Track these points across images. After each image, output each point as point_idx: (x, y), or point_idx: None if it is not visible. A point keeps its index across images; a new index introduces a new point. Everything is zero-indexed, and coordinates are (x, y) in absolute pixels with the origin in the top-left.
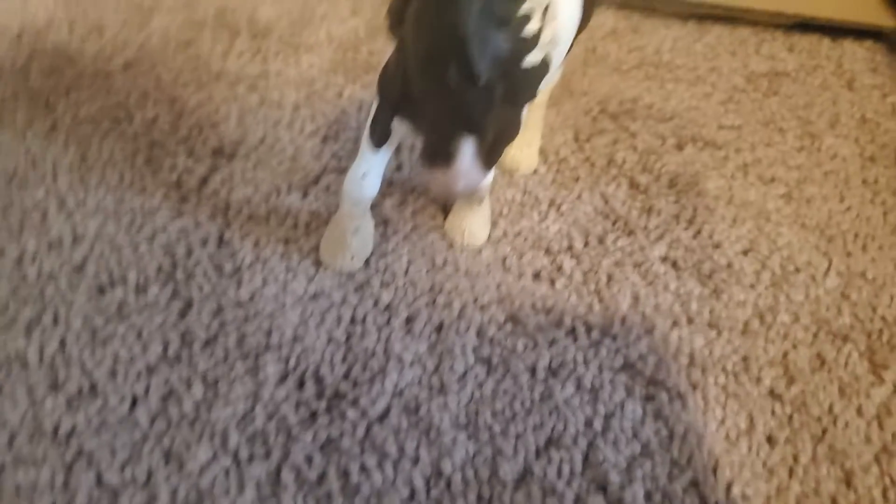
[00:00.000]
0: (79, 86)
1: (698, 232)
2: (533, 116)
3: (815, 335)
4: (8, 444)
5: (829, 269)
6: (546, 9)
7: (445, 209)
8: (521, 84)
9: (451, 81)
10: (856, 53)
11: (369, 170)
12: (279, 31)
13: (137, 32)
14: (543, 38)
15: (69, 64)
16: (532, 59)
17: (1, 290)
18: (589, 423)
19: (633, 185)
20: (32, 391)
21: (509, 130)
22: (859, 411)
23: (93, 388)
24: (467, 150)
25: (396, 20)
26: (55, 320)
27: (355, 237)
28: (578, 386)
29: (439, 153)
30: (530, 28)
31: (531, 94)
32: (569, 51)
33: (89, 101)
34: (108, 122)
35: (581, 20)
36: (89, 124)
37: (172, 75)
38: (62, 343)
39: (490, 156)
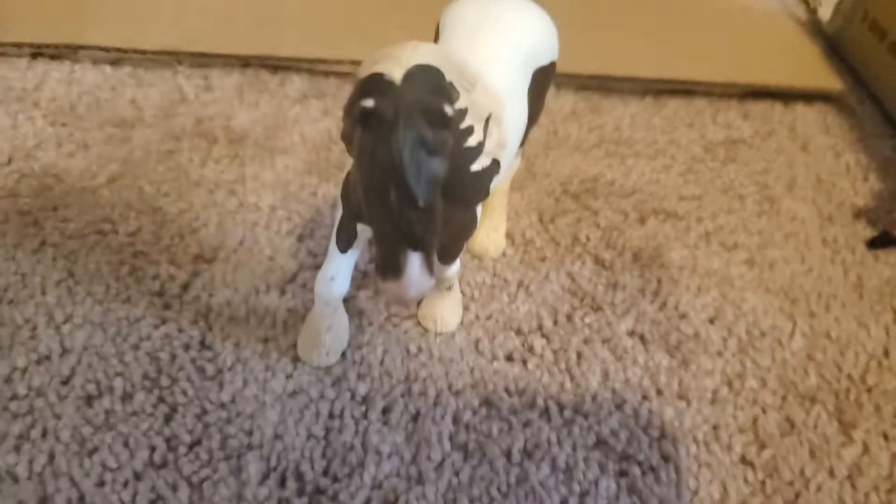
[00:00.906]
0: (66, 203)
1: (664, 304)
2: (498, 202)
3: (784, 398)
4: None
5: (793, 331)
6: (488, 119)
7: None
8: (471, 187)
9: (392, 206)
10: (807, 116)
11: (337, 272)
12: (255, 136)
13: (120, 147)
14: (489, 145)
15: (57, 182)
16: (479, 164)
17: None
18: (565, 503)
19: (598, 261)
20: None
21: (465, 228)
22: (831, 472)
23: (81, 498)
24: (414, 264)
25: (348, 144)
26: (44, 434)
27: (328, 334)
28: (553, 466)
29: (389, 267)
30: (473, 139)
31: (483, 194)
32: (523, 142)
33: (76, 218)
34: (93, 235)
35: (530, 116)
36: (76, 239)
37: (154, 186)
38: (51, 456)
39: (450, 251)
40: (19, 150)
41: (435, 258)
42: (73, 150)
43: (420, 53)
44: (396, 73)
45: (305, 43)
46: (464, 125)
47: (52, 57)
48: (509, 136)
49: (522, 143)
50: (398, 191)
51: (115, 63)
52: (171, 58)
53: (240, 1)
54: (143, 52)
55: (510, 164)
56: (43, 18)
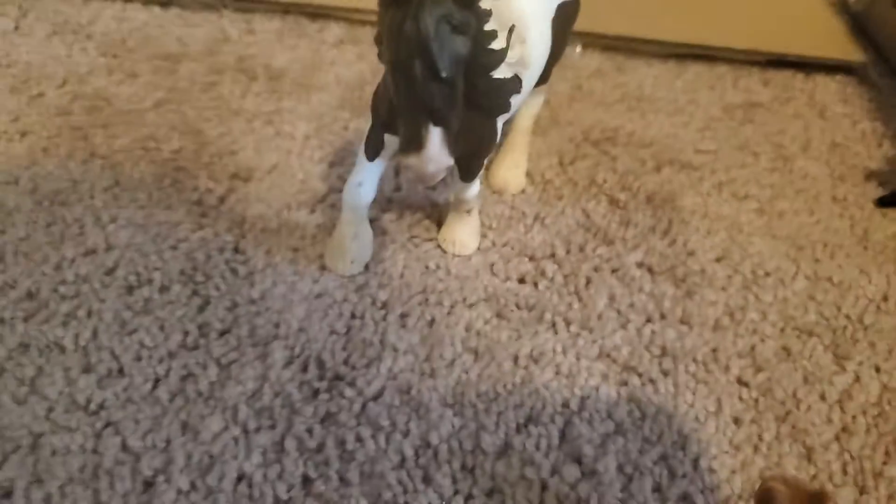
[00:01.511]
0: (114, 122)
1: (673, 241)
2: (520, 140)
3: (782, 330)
4: (46, 415)
5: (797, 273)
6: (511, 30)
7: (439, 223)
8: (491, 94)
9: (417, 77)
10: (827, 86)
11: (364, 179)
12: (292, 75)
13: (167, 77)
14: (511, 57)
15: (106, 104)
16: (500, 73)
17: (43, 289)
18: (566, 404)
19: (613, 201)
20: (68, 372)
21: (486, 140)
22: (822, 396)
23: (120, 370)
24: (435, 138)
25: (380, 45)
26: (89, 314)
27: (354, 242)
28: (557, 372)
29: (411, 141)
30: (496, 43)
31: (503, 107)
32: (547, 77)
33: (123, 135)
34: (139, 150)
35: (552, 49)
36: (123, 153)
37: (197, 112)
38: (94, 332)
39: (470, 167)
40: (73, 74)
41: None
42: (123, 78)
43: None
44: None
45: None
46: (488, 27)
47: None
48: (532, 57)
49: (546, 80)
50: (423, 62)
51: (164, 5)
52: (217, 1)
53: None
54: None
55: (531, 88)
56: None
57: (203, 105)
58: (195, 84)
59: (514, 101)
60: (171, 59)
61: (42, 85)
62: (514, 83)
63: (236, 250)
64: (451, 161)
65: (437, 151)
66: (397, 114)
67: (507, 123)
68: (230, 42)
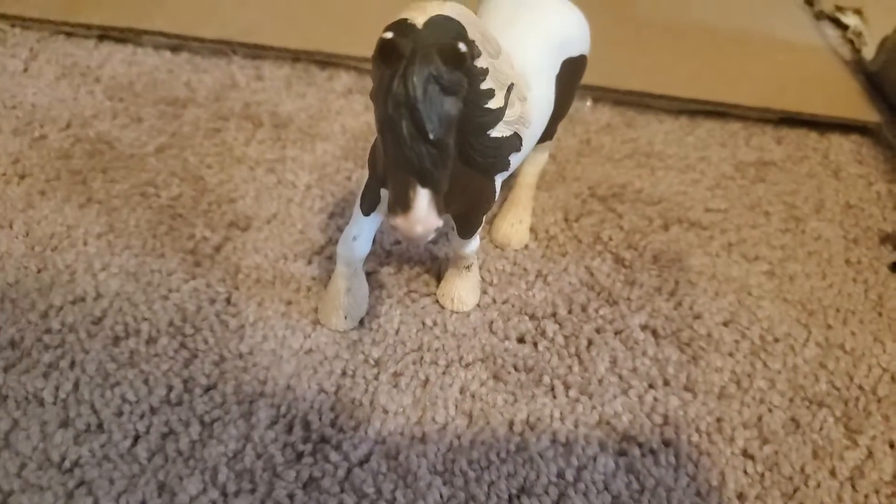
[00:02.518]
0: (114, 166)
1: (679, 303)
2: (524, 195)
3: (791, 400)
4: (18, 472)
5: (808, 339)
6: (510, 88)
7: (438, 277)
8: (488, 153)
9: (405, 137)
10: (842, 146)
11: (360, 233)
12: (299, 122)
13: (171, 122)
14: (509, 116)
15: (108, 148)
16: (499, 132)
17: (27, 337)
18: (561, 475)
19: (618, 260)
20: (45, 426)
21: (484, 197)
22: (832, 472)
23: (100, 425)
24: (423, 199)
25: (374, 101)
26: (72, 365)
27: (348, 297)
28: (554, 440)
29: (399, 202)
30: (493, 102)
31: (502, 165)
32: (552, 133)
33: (122, 180)
34: (137, 196)
35: (556, 106)
36: (120, 199)
37: (199, 158)
38: (76, 385)
39: (468, 224)
40: (77, 117)
41: (454, 230)
42: (127, 122)
43: (447, 8)
44: (419, 20)
45: (355, 42)
46: (484, 86)
47: (118, 40)
48: (533, 115)
49: (551, 136)
50: (411, 123)
51: (174, 49)
52: (227, 47)
53: None
54: (202, 41)
55: (533, 145)
56: (112, 3)
57: (206, 151)
58: (199, 130)
59: (515, 158)
60: (177, 104)
61: (45, 127)
62: (514, 141)
63: (228, 302)
64: (440, 223)
65: (424, 213)
66: (386, 174)
67: (512, 177)
68: (238, 88)
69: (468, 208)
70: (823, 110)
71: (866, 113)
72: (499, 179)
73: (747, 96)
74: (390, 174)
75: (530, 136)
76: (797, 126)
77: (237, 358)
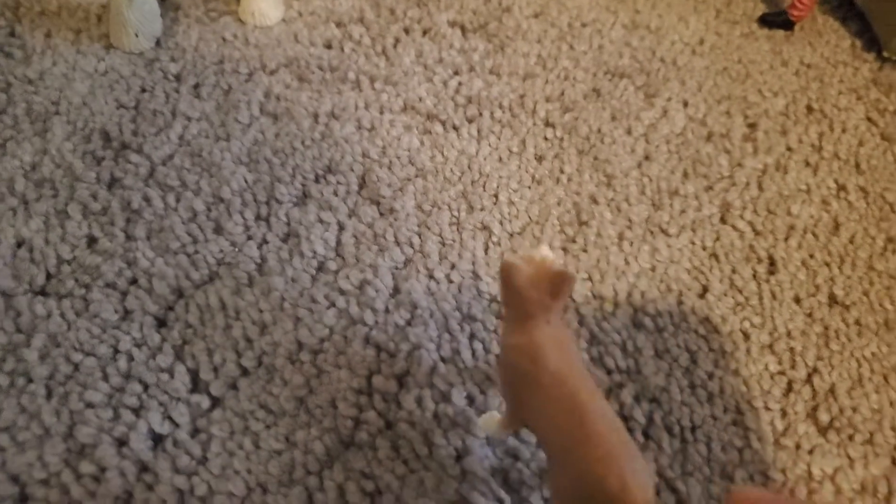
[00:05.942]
0: None
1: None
2: None
3: (594, 75)
4: None
5: (615, 23)
6: None
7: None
8: None
9: None
10: None
11: None
12: None
13: None
14: None
15: None
16: None
17: None
18: (366, 154)
19: None
20: None
21: None
22: (628, 130)
23: None
24: None
25: None
26: None
27: (131, 11)
28: (359, 126)
29: None
30: None
31: None
32: None
33: None
34: None
35: None
36: None
37: None
38: None
39: None
40: None
41: None
42: None
43: None
44: None
45: None
46: None
47: None
48: None
49: None
50: None
51: None
52: None
53: None
54: None
55: None
56: None
57: None
58: None
59: None
60: None
61: None
62: None
63: (12, 34)
64: None
65: None
66: None
67: None
68: None
69: None
70: None
71: None
72: None
73: None
74: None
75: None
76: None
77: (26, 83)
